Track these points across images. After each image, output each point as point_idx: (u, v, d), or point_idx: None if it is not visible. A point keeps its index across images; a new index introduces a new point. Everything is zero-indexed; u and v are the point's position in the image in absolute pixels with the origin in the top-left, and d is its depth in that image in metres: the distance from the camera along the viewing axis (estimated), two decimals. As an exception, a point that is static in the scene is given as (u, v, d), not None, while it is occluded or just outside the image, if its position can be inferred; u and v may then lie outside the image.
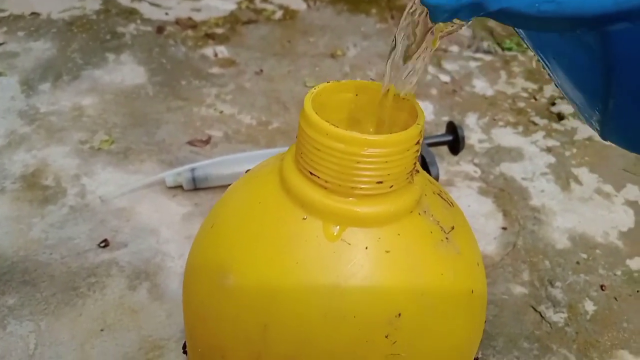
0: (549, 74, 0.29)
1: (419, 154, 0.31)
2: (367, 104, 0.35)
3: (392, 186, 0.30)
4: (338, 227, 0.31)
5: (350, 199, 0.30)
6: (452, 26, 0.26)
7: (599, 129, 0.27)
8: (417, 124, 0.30)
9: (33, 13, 1.10)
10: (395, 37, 0.29)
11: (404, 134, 0.29)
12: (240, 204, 0.35)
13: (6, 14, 1.09)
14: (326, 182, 0.30)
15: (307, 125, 0.30)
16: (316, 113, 0.30)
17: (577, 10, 0.19)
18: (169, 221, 0.68)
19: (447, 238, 0.32)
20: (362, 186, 0.30)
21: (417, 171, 0.33)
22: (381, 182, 0.30)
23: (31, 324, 0.56)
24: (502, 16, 0.23)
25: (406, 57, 0.30)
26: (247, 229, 0.33)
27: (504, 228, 0.71)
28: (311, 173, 0.31)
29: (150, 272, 0.62)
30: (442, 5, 0.25)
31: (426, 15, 0.26)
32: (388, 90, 0.32)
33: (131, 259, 0.63)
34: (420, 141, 0.31)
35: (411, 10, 0.27)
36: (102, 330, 0.56)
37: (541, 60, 0.28)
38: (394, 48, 0.30)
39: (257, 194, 0.34)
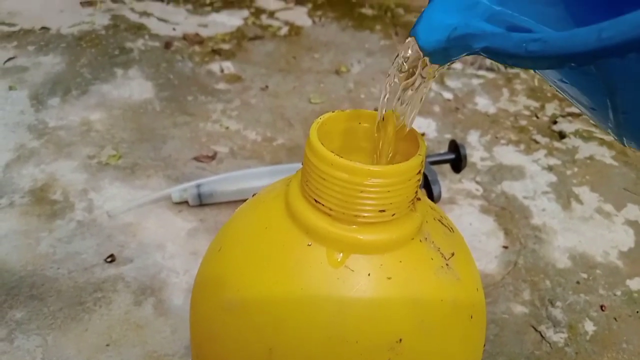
0: (557, 91, 0.29)
1: (420, 182, 0.32)
2: (371, 133, 0.36)
3: (394, 214, 0.31)
4: (342, 253, 0.31)
5: (354, 226, 0.31)
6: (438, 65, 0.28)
7: (617, 138, 0.28)
8: (419, 154, 0.31)
9: (43, 28, 1.12)
10: (390, 71, 0.31)
11: (406, 165, 0.30)
12: (247, 228, 0.36)
13: (16, 28, 1.11)
14: (330, 209, 0.31)
15: (312, 154, 0.31)
16: (322, 142, 0.31)
17: (563, 49, 0.20)
18: (174, 237, 0.69)
19: (447, 264, 0.33)
20: (365, 214, 0.31)
21: (419, 199, 0.34)
22: (383, 211, 0.31)
23: (38, 339, 0.56)
24: (491, 55, 0.24)
25: (403, 89, 0.31)
26: (254, 254, 0.34)
27: (505, 247, 0.72)
28: (316, 201, 0.32)
29: (155, 287, 0.63)
30: (432, 45, 0.26)
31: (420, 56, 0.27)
32: (383, 117, 0.33)
33: (137, 275, 0.64)
34: (422, 171, 0.32)
35: (404, 54, 0.28)
36: (107, 345, 0.56)
37: (547, 81, 0.29)
38: (388, 76, 0.31)
39: (263, 219, 0.35)
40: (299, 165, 0.81)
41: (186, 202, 0.73)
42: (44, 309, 0.59)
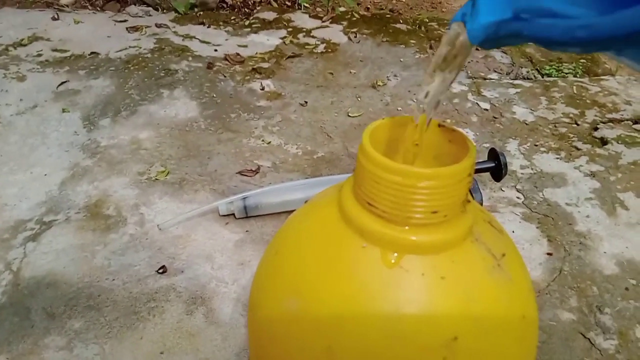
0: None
1: (471, 184, 0.33)
2: (418, 137, 0.37)
3: (446, 215, 0.32)
4: (396, 254, 0.33)
5: (407, 227, 0.33)
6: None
7: None
8: (469, 156, 0.32)
9: (92, 53, 1.18)
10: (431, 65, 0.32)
11: (458, 167, 0.31)
12: (302, 233, 0.38)
13: (68, 54, 1.17)
14: (384, 212, 0.33)
15: (365, 159, 0.33)
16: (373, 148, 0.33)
17: (611, 32, 0.21)
18: (222, 248, 0.71)
19: (498, 265, 0.34)
20: (418, 216, 0.32)
21: (469, 201, 0.35)
22: (436, 212, 0.32)
23: (96, 347, 0.59)
24: (539, 43, 0.25)
25: (437, 68, 0.31)
26: (310, 256, 0.35)
27: (549, 254, 0.72)
28: (369, 204, 0.33)
29: (205, 297, 0.65)
30: (480, 35, 0.27)
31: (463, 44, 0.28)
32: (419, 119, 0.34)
33: (188, 285, 0.66)
34: (472, 172, 0.33)
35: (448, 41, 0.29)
36: (161, 353, 0.58)
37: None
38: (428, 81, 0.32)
39: (317, 223, 0.37)
40: (341, 177, 0.83)
41: (232, 215, 0.76)
42: (100, 318, 0.62)
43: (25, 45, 1.20)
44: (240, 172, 0.84)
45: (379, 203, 0.33)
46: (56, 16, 1.34)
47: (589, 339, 0.61)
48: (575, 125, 0.99)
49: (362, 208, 0.34)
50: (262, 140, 0.92)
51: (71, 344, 0.59)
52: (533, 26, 0.24)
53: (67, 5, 1.43)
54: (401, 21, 1.41)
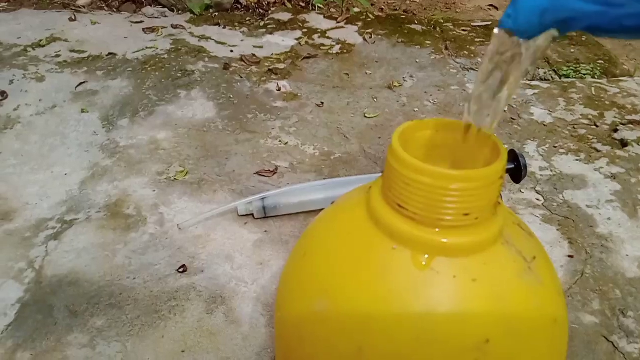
0: None
1: (502, 187, 0.33)
2: (447, 140, 0.37)
3: (477, 218, 0.32)
4: (427, 256, 0.33)
5: (437, 230, 0.33)
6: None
7: None
8: (502, 159, 0.32)
9: (110, 53, 1.19)
10: (480, 74, 0.32)
11: (490, 169, 0.31)
12: (330, 234, 0.38)
13: (86, 55, 1.18)
14: (414, 214, 0.33)
15: (396, 161, 0.33)
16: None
17: None
18: (241, 248, 0.72)
19: (529, 268, 0.34)
20: (449, 218, 0.32)
21: (499, 203, 0.35)
22: (467, 214, 0.32)
23: (118, 345, 0.59)
24: (587, 30, 0.26)
25: (499, 87, 0.32)
26: (339, 258, 0.35)
27: (571, 256, 0.71)
28: (400, 206, 0.33)
29: (226, 296, 0.65)
30: (525, 28, 0.27)
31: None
32: (469, 125, 0.34)
33: (208, 284, 0.66)
34: (504, 175, 0.33)
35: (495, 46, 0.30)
36: (183, 351, 0.59)
37: None
38: (481, 84, 0.32)
39: (346, 225, 0.37)
40: (359, 178, 0.83)
41: (251, 215, 0.76)
42: (122, 316, 0.62)
43: (43, 46, 1.21)
44: (258, 173, 0.85)
45: (410, 205, 0.33)
46: (73, 17, 1.35)
47: (612, 343, 0.60)
48: (595, 127, 0.98)
49: (392, 210, 0.34)
50: (279, 141, 0.93)
51: (94, 341, 0.60)
52: (580, 14, 0.25)
53: (84, 7, 1.44)
54: (416, 22, 1.41)
